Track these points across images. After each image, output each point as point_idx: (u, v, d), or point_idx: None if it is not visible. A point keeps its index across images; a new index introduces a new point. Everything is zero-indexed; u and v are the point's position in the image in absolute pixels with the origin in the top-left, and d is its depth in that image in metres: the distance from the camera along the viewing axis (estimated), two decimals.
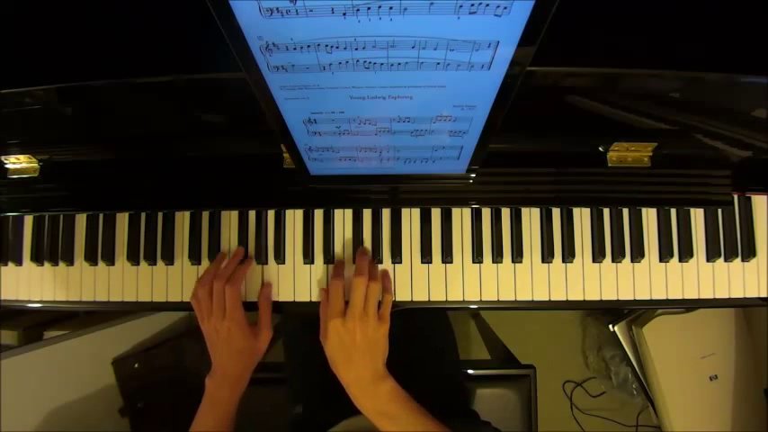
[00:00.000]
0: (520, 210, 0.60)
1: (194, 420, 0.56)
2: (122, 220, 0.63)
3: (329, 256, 0.60)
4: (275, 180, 0.57)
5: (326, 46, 0.30)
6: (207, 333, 0.56)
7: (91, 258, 0.62)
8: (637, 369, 1.11)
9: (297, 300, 0.60)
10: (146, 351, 1.12)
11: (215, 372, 0.56)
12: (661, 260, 0.59)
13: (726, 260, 0.60)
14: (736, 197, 0.60)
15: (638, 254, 0.59)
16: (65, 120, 0.53)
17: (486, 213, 0.60)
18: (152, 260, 0.61)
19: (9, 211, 0.61)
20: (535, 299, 0.59)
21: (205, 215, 0.62)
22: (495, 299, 0.59)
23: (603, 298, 0.59)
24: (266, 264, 0.61)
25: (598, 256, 0.59)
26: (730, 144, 0.54)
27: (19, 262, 0.64)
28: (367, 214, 0.61)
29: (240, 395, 0.57)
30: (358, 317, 0.52)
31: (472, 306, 0.60)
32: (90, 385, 1.01)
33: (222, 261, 0.59)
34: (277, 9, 0.26)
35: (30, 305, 0.64)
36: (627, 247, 0.59)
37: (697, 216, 0.60)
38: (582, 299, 0.59)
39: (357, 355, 0.51)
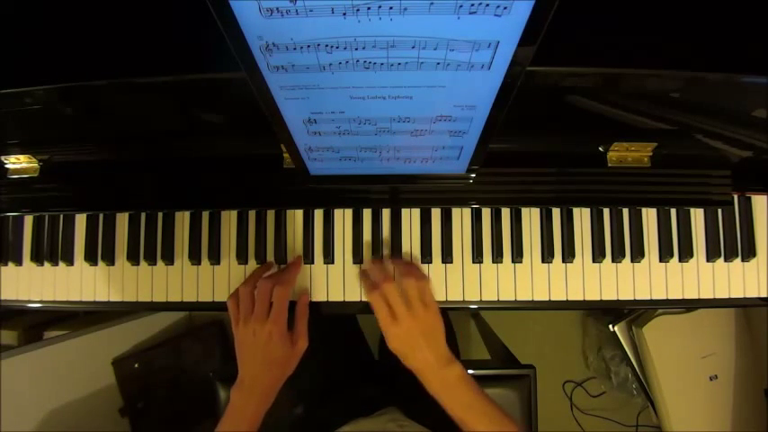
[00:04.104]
0: (520, 210, 0.60)
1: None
2: (122, 220, 0.62)
3: (329, 257, 0.60)
4: (275, 180, 0.57)
5: (326, 46, 0.30)
6: (242, 337, 0.54)
7: (91, 258, 0.62)
8: (637, 369, 1.11)
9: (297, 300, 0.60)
10: (146, 351, 1.12)
11: (242, 382, 0.53)
12: (661, 260, 0.59)
13: (726, 260, 0.60)
14: (736, 197, 0.60)
15: (638, 254, 0.59)
16: (65, 120, 0.53)
17: (486, 213, 0.60)
18: (152, 260, 0.61)
19: (9, 211, 0.61)
20: (535, 299, 0.59)
21: (205, 215, 0.62)
22: (495, 299, 0.59)
23: (603, 298, 0.59)
24: (266, 263, 0.61)
25: (598, 256, 0.59)
26: (730, 144, 0.54)
27: (19, 262, 0.64)
28: (367, 214, 0.61)
29: (267, 409, 0.54)
30: (406, 315, 0.52)
31: (472, 306, 0.60)
32: (90, 385, 1.02)
33: (269, 269, 0.59)
34: (277, 9, 0.26)
35: (30, 305, 0.64)
36: (627, 247, 0.59)
37: (697, 216, 0.60)
38: (582, 299, 0.59)
39: (419, 347, 0.52)
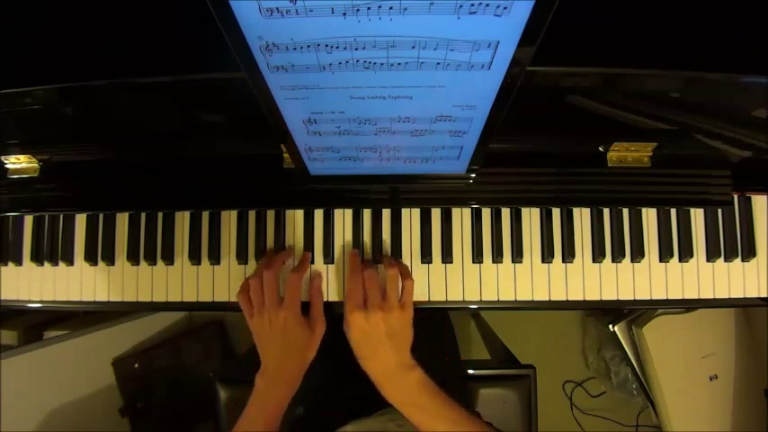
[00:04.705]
0: (520, 210, 0.60)
1: (240, 420, 0.52)
2: (122, 220, 0.62)
3: (329, 257, 0.60)
4: (275, 180, 0.57)
5: (326, 46, 0.29)
6: (258, 328, 0.54)
7: (91, 258, 0.62)
8: (637, 369, 1.11)
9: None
10: (146, 351, 1.12)
11: (267, 369, 0.53)
12: (661, 260, 0.59)
13: (726, 260, 0.60)
14: (736, 197, 0.60)
15: (638, 254, 0.59)
16: (65, 120, 0.53)
17: (486, 213, 0.60)
18: (152, 260, 0.61)
19: (9, 211, 0.61)
20: (535, 299, 0.59)
21: (205, 215, 0.62)
22: (495, 299, 0.59)
23: (603, 298, 0.59)
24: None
25: (598, 256, 0.59)
26: (730, 144, 0.54)
27: (19, 262, 0.64)
28: (367, 214, 0.61)
29: (293, 394, 0.54)
30: (379, 308, 0.51)
31: (472, 306, 0.60)
32: (90, 385, 1.02)
33: (271, 256, 0.58)
34: (277, 9, 0.26)
35: (30, 305, 0.64)
36: (627, 247, 0.59)
37: (697, 216, 0.60)
38: (582, 299, 0.59)
39: (381, 347, 0.50)
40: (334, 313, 0.60)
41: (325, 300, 0.60)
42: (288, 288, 0.54)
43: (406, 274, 0.56)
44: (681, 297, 0.59)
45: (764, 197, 0.60)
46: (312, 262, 0.60)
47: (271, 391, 0.53)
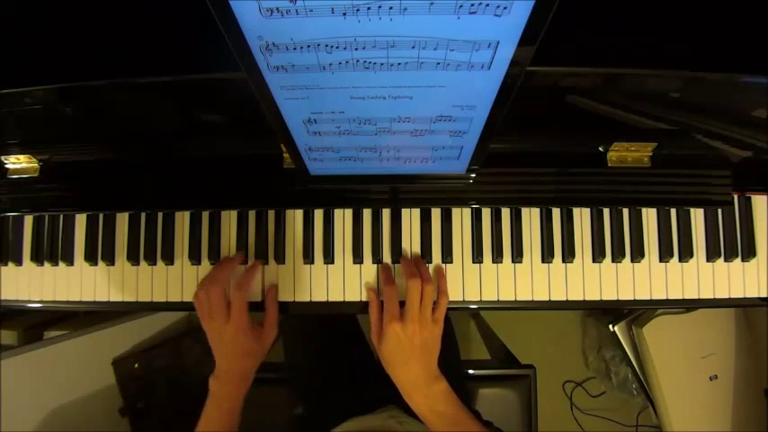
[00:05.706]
0: (520, 210, 0.60)
1: (200, 421, 0.55)
2: (122, 220, 0.63)
3: (329, 257, 0.60)
4: (275, 180, 0.57)
5: (326, 46, 0.30)
6: (209, 333, 0.56)
7: (91, 258, 0.62)
8: (637, 369, 1.11)
9: (297, 300, 0.60)
10: (146, 351, 1.12)
11: (219, 373, 0.56)
12: (661, 260, 0.59)
13: (726, 260, 0.60)
14: (736, 197, 0.60)
15: (638, 254, 0.59)
16: (65, 120, 0.53)
17: (486, 213, 0.60)
18: (152, 260, 0.61)
19: (9, 211, 0.61)
20: (535, 299, 0.59)
21: (205, 215, 0.62)
22: (495, 299, 0.59)
23: (603, 298, 0.59)
24: (266, 264, 0.61)
25: (598, 256, 0.59)
26: (730, 144, 0.54)
27: (19, 262, 0.64)
28: (367, 214, 0.61)
29: (246, 391, 0.57)
30: (417, 320, 0.52)
31: (472, 306, 0.60)
32: (90, 385, 1.01)
33: (224, 265, 0.59)
34: (277, 9, 0.26)
35: (30, 305, 0.64)
36: (627, 248, 0.59)
37: (697, 216, 0.60)
38: (582, 299, 0.59)
39: (414, 358, 0.52)
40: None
41: (324, 300, 0.60)
42: (234, 305, 0.55)
43: (443, 290, 0.57)
44: (681, 297, 0.59)
45: (764, 197, 0.60)
46: (312, 262, 0.60)
47: (224, 392, 0.56)
